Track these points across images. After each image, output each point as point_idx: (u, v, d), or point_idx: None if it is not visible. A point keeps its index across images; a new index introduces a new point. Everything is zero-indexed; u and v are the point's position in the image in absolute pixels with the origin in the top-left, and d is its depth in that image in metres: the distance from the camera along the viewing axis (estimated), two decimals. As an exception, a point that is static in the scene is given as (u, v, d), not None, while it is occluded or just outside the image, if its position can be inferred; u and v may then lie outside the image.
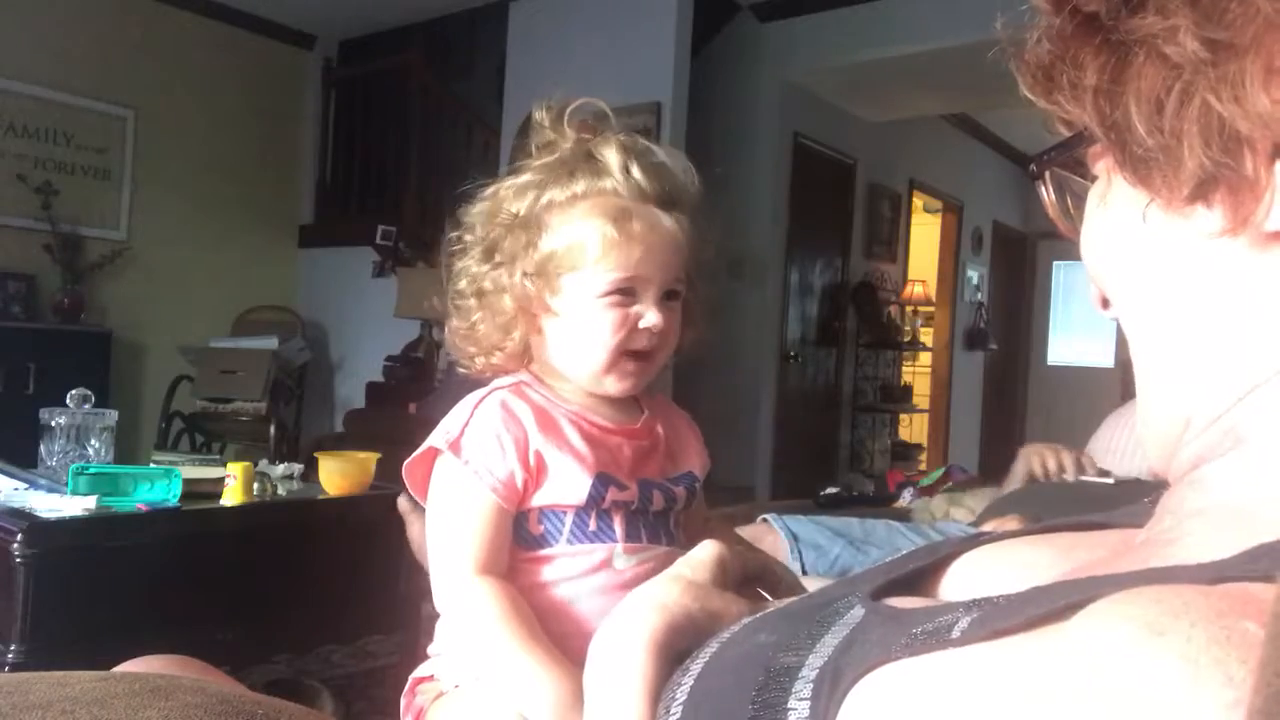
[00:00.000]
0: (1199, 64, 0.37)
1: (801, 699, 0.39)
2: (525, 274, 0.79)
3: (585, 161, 0.79)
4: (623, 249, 0.77)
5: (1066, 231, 0.50)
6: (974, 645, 0.35)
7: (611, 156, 0.79)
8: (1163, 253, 0.42)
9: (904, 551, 0.57)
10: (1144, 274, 0.44)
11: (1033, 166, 0.50)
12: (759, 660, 0.42)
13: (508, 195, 0.80)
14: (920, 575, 0.51)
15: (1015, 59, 0.45)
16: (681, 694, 0.45)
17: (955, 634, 0.36)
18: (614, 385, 0.81)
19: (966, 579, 0.51)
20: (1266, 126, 0.36)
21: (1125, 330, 0.46)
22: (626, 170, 0.78)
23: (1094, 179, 0.46)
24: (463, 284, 0.82)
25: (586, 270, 0.77)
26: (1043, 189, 0.50)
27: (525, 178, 0.80)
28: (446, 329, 0.85)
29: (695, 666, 0.47)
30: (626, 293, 0.78)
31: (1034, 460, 1.95)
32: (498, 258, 0.81)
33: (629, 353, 0.80)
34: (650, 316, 0.79)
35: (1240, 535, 0.37)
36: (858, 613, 0.43)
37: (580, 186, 0.78)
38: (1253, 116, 0.36)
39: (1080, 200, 0.48)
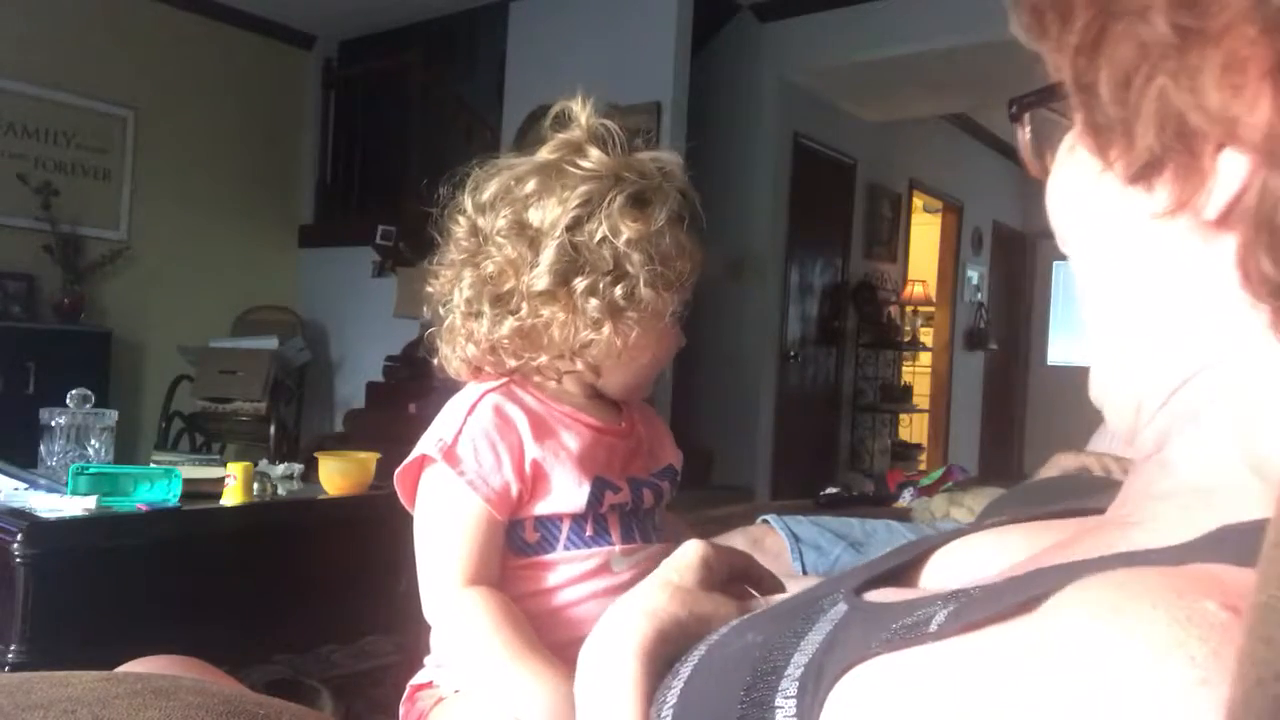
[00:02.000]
0: (1166, 48, 0.36)
1: (788, 697, 0.39)
2: (628, 295, 0.77)
3: (665, 180, 0.80)
4: (696, 273, 0.80)
5: (1037, 174, 0.50)
6: (950, 639, 0.35)
7: (679, 175, 0.81)
8: (1110, 221, 0.43)
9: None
10: (1093, 235, 0.45)
11: (1013, 107, 0.50)
12: (747, 660, 0.43)
13: (586, 210, 0.77)
14: (903, 569, 0.51)
15: None
16: (672, 697, 0.46)
17: (932, 628, 0.36)
18: (638, 393, 0.83)
19: (946, 569, 0.52)
20: (1213, 122, 0.36)
21: (1075, 279, 0.47)
22: (685, 193, 0.80)
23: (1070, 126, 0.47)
24: (541, 285, 0.77)
25: (670, 292, 0.79)
26: (1020, 130, 0.50)
27: (591, 188, 0.76)
28: (487, 326, 0.79)
29: (685, 670, 0.47)
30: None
31: (1092, 460, 1.91)
32: (584, 257, 0.76)
33: None
34: (680, 334, 0.83)
35: (1203, 517, 0.37)
36: (841, 609, 0.43)
37: (670, 208, 0.79)
38: (1203, 110, 0.36)
39: (1055, 145, 0.49)
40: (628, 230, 0.76)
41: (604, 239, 0.76)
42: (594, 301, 0.76)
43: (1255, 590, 0.25)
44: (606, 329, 0.77)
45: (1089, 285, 0.46)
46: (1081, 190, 0.44)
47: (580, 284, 0.76)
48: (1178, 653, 0.28)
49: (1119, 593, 0.31)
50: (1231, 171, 0.36)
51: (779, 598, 0.56)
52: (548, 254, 0.76)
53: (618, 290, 0.76)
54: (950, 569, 0.51)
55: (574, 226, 0.76)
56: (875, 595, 0.44)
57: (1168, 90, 0.37)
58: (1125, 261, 0.43)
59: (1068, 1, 0.41)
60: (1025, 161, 0.50)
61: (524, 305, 0.78)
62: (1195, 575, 0.32)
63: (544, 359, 0.79)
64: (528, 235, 0.77)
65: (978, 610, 0.36)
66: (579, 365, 0.79)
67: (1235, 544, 0.34)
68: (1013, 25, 0.44)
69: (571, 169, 0.77)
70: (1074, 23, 0.40)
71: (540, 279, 0.76)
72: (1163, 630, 0.29)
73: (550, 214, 0.76)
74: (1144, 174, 0.39)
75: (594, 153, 0.78)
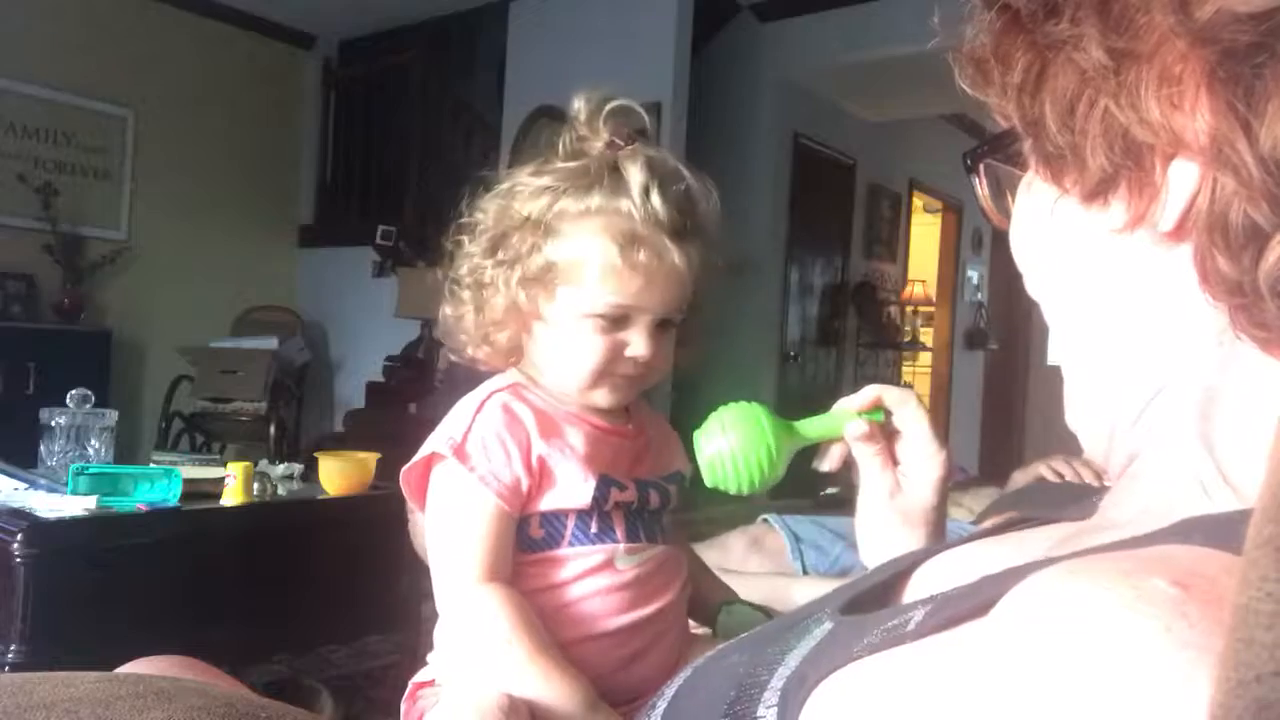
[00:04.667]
0: (1103, 71, 0.38)
1: (769, 706, 0.40)
2: (525, 277, 0.77)
3: (609, 174, 0.76)
4: (623, 277, 0.74)
5: (999, 222, 0.51)
6: (928, 637, 0.36)
7: (635, 176, 0.75)
8: (1071, 245, 0.44)
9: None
10: (1056, 263, 0.46)
11: (967, 159, 0.51)
12: (731, 678, 0.44)
13: (523, 193, 0.78)
14: (886, 586, 0.52)
15: (954, 51, 0.46)
16: (657, 716, 0.47)
17: (911, 628, 0.37)
18: (601, 399, 0.80)
19: (928, 583, 0.52)
20: (1157, 135, 0.37)
21: (1046, 318, 0.48)
22: (646, 194, 0.75)
23: (1025, 170, 0.48)
24: (463, 271, 0.81)
25: (583, 288, 0.75)
26: (976, 180, 0.51)
27: (545, 180, 0.77)
28: (440, 312, 0.83)
29: (670, 690, 0.48)
30: (618, 320, 0.76)
31: (1043, 468, 1.93)
32: (501, 254, 0.78)
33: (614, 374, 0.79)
34: (638, 346, 0.77)
35: (1167, 521, 0.38)
36: (826, 626, 0.44)
37: (595, 201, 0.75)
38: (1147, 124, 0.37)
39: (1014, 192, 0.50)
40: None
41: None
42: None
43: (1235, 593, 0.25)
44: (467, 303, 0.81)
45: (1057, 316, 0.47)
46: (1041, 221, 0.45)
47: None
48: (1128, 630, 0.28)
49: (1071, 579, 0.31)
50: (1182, 180, 0.38)
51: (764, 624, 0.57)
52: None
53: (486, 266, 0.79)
54: (933, 583, 0.51)
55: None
56: (858, 615, 0.45)
57: (1111, 110, 0.38)
58: (1088, 284, 0.44)
59: (1007, 48, 0.43)
60: (986, 210, 0.52)
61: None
62: (1144, 556, 0.33)
63: (504, 337, 0.81)
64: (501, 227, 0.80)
65: (953, 607, 0.36)
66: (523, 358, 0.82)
67: (1203, 531, 0.34)
68: (958, 79, 0.46)
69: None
70: (1015, 65, 0.42)
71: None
72: (1113, 610, 0.29)
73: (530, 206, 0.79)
74: (1099, 191, 0.41)
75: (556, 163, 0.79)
